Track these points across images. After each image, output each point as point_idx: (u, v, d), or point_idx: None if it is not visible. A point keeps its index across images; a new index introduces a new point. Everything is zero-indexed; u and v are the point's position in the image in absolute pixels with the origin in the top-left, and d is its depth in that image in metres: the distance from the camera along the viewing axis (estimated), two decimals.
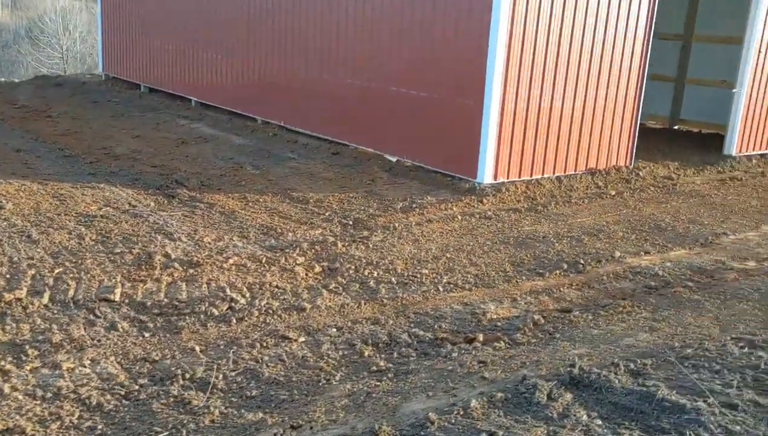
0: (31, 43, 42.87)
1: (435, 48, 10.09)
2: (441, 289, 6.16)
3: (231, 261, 6.35)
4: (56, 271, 5.78)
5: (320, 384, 4.31)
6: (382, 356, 4.76)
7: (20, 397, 3.95)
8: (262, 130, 12.82)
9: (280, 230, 7.49)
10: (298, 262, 6.53)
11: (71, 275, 5.73)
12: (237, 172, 10.00)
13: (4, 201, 7.53)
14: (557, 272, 6.86)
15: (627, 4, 10.31)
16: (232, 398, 4.09)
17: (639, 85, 10.86)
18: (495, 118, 9.43)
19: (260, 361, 4.55)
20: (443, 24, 9.94)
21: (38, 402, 3.91)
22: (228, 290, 5.67)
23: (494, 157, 9.60)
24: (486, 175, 9.60)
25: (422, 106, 10.33)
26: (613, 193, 10.07)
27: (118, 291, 5.49)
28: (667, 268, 7.05)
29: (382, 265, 6.65)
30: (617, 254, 7.46)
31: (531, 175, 10.04)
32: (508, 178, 9.81)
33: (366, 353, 4.76)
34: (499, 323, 5.47)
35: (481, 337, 5.01)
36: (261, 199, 8.67)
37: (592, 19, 9.98)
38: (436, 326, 5.35)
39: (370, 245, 7.24)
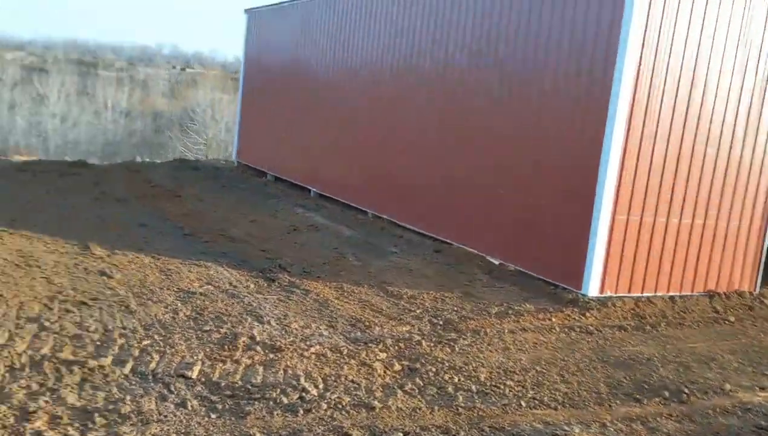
0: (181, 129, 46.63)
1: (542, 151, 9.98)
2: (524, 404, 5.79)
3: (312, 350, 6.32)
4: (144, 342, 5.98)
5: None
6: None
7: None
8: (371, 224, 13.03)
9: (368, 323, 7.43)
10: (378, 357, 6.40)
11: (157, 348, 5.90)
12: (339, 261, 10.14)
13: (114, 271, 7.99)
14: (657, 399, 6.30)
15: (757, 114, 9.82)
16: None
17: None
18: (605, 228, 9.06)
19: None
20: (551, 127, 9.84)
21: None
22: (302, 379, 5.61)
23: (602, 269, 9.17)
24: (592, 288, 9.16)
25: (527, 210, 10.14)
26: (732, 319, 9.28)
27: (196, 369, 5.57)
28: None
29: (465, 371, 6.38)
30: (728, 386, 6.77)
31: (642, 292, 9.48)
32: (615, 292, 9.30)
33: None
34: None
35: None
36: (356, 291, 8.69)
37: (716, 130, 9.55)
38: None
39: (457, 349, 6.99)
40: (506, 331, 7.78)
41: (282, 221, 12.82)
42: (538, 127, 10.06)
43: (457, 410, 5.48)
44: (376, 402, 5.37)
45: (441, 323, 7.84)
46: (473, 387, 6.01)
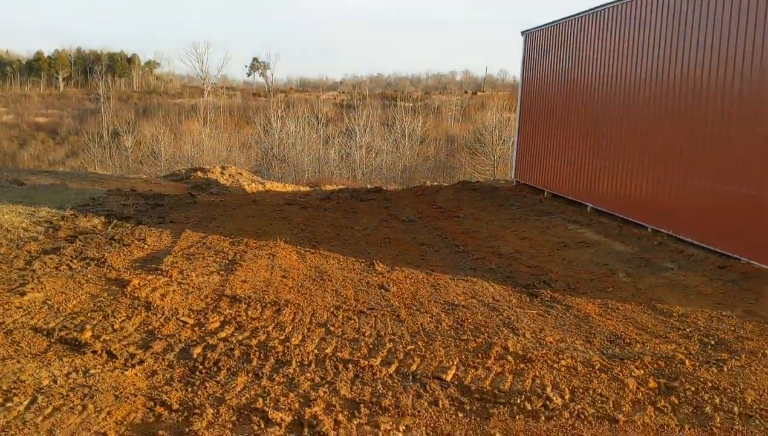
0: (470, 151, 48.60)
1: None
2: None
3: (563, 362, 6.48)
4: (408, 347, 6.69)
5: None
6: None
7: None
8: (648, 239, 12.55)
9: (628, 340, 7.32)
10: (633, 373, 6.32)
11: (419, 353, 6.57)
12: (607, 278, 10.01)
13: (391, 285, 8.94)
14: None
15: None
16: None
17: None
18: None
19: None
20: None
21: None
22: (549, 389, 5.83)
23: None
24: None
25: None
26: None
27: (451, 372, 6.11)
28: None
29: (730, 392, 6.01)
30: None
31: None
32: None
33: None
34: None
35: None
36: (621, 307, 8.56)
37: None
38: None
39: (725, 369, 6.58)
40: None
41: (552, 237, 12.96)
42: None
43: (712, 430, 5.25)
44: (621, 416, 5.39)
45: (712, 342, 7.40)
46: (735, 409, 5.66)
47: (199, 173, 27.07)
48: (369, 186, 25.77)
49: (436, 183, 26.40)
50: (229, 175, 27.88)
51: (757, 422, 5.45)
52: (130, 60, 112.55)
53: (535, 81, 19.48)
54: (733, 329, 7.83)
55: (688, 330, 7.76)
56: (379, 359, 6.40)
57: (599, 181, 15.25)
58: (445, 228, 13.86)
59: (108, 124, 67.58)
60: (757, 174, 10.38)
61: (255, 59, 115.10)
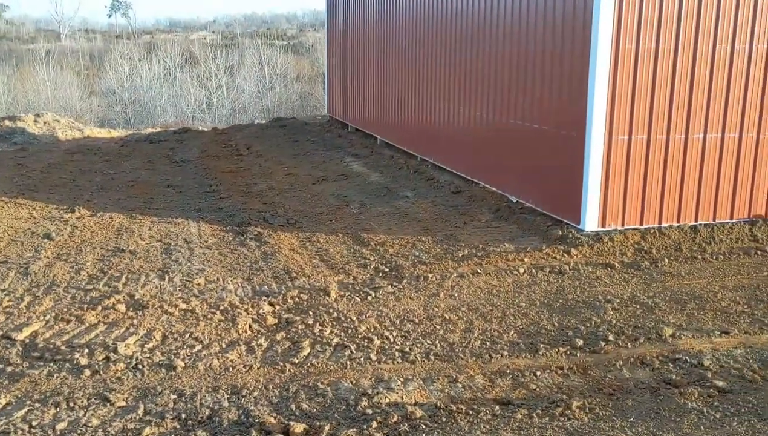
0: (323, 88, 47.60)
1: (536, 68, 8.79)
2: (374, 358, 5.16)
3: (183, 306, 6.02)
4: (5, 304, 6.09)
5: None
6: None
7: None
8: (411, 168, 12.41)
9: (296, 275, 7.06)
10: (261, 311, 6.03)
11: (12, 309, 5.95)
12: (337, 211, 9.76)
13: (65, 233, 8.29)
14: (563, 349, 5.35)
15: None
16: None
17: None
18: (599, 149, 7.83)
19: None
20: (542, 38, 8.63)
21: None
22: (131, 339, 5.43)
23: (600, 198, 7.96)
24: (589, 221, 8.00)
25: (533, 140, 9.03)
26: None
27: (28, 330, 5.41)
28: (720, 357, 5.08)
29: (348, 323, 5.82)
30: (669, 331, 5.58)
31: (658, 222, 8.11)
32: (622, 224, 8.05)
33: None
34: (386, 410, 4.37)
35: (298, 428, 4.01)
36: (323, 240, 8.31)
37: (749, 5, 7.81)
38: (297, 402, 4.48)
39: (369, 299, 6.43)
40: (455, 275, 7.03)
41: (320, 172, 12.61)
42: (536, 50, 8.87)
43: (284, 367, 5.00)
44: (179, 362, 4.96)
45: (387, 269, 7.27)
46: (337, 341, 5.47)
47: (7, 122, 25.04)
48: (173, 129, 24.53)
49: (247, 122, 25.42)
50: (44, 122, 25.88)
51: (348, 352, 5.26)
52: None
53: (338, 14, 18.87)
54: (419, 254, 7.73)
55: (373, 258, 7.60)
56: None
57: (386, 114, 14.98)
58: (214, 168, 13.25)
59: None
60: (472, 103, 10.30)
61: None
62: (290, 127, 19.05)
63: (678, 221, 8.14)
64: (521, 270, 7.17)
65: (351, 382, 4.76)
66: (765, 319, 5.91)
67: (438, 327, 5.78)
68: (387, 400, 4.48)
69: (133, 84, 50.50)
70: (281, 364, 5.02)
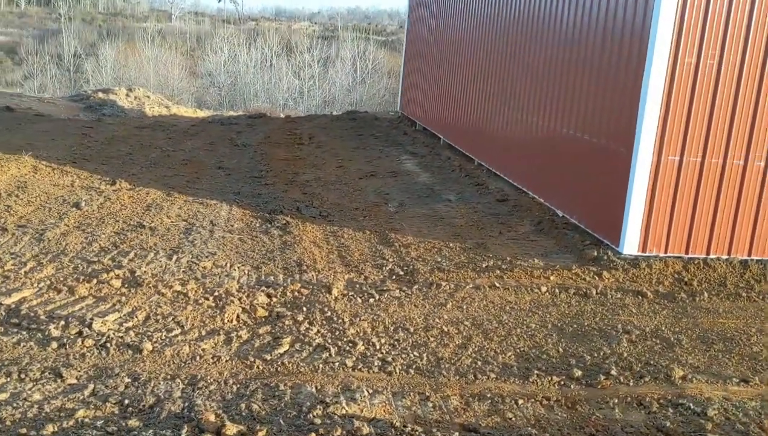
0: None
1: (592, 77, 8.27)
2: (351, 365, 4.91)
3: (176, 287, 5.96)
4: (7, 267, 6.15)
5: None
6: None
7: None
8: (463, 171, 12.02)
9: (306, 268, 6.88)
10: (256, 301, 5.86)
11: (13, 274, 6.05)
12: (374, 208, 9.53)
13: (112, 203, 8.43)
14: (557, 378, 4.93)
15: None
16: None
17: None
18: (644, 170, 7.28)
19: None
20: (601, 45, 8.11)
21: None
22: (110, 315, 5.36)
23: (642, 222, 7.40)
24: (628, 244, 7.44)
25: (583, 152, 8.51)
26: None
27: (18, 296, 5.50)
28: (730, 407, 4.54)
29: (338, 325, 5.59)
30: (679, 372, 5.05)
31: (707, 253, 7.46)
32: (665, 251, 7.46)
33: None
34: (335, 422, 4.12)
35: (231, 430, 3.80)
36: (348, 236, 8.11)
37: None
38: (250, 401, 4.28)
39: (372, 300, 6.17)
40: (470, 286, 6.68)
41: (370, 166, 12.42)
42: (593, 58, 8.35)
43: (253, 363, 4.81)
44: (148, 345, 4.84)
45: (402, 273, 6.99)
46: (319, 342, 5.25)
47: (101, 94, 26.18)
48: (283, 115, 24.88)
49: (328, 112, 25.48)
50: (135, 97, 26.95)
51: (323, 356, 5.02)
52: None
53: (417, 12, 18.66)
54: (441, 260, 7.41)
55: (390, 260, 7.34)
56: None
57: (448, 115, 14.63)
58: (271, 154, 13.28)
59: (69, 46, 65.50)
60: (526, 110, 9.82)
61: None
62: (360, 120, 18.93)
63: (728, 254, 7.46)
64: (543, 288, 6.74)
65: (316, 387, 4.53)
66: None
67: (432, 339, 5.47)
68: (343, 411, 4.22)
69: (230, 68, 51.89)
70: (252, 359, 4.84)
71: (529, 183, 10.16)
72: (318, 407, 4.22)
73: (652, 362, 5.28)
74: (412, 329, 5.62)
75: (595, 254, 7.52)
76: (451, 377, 4.86)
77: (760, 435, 4.26)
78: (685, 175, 7.29)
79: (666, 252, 7.44)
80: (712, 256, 7.42)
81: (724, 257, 7.43)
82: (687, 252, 7.45)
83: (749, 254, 7.49)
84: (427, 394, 4.58)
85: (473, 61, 12.84)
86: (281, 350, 5.03)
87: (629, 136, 7.38)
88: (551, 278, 7.06)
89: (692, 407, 4.59)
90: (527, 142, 10.25)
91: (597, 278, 7.07)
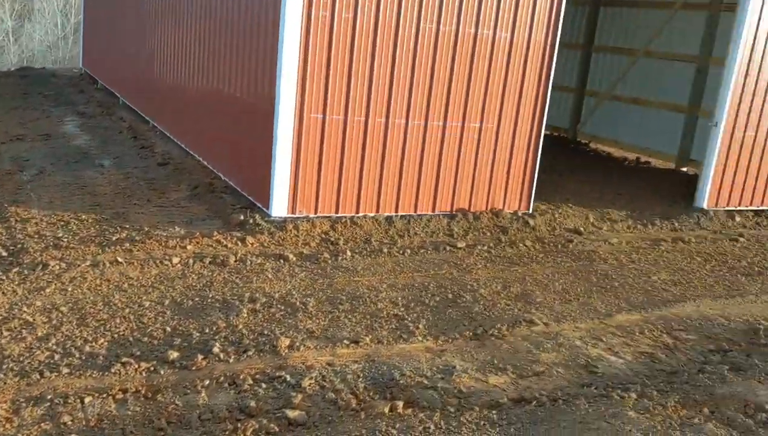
0: None
1: (237, 34, 7.77)
2: None
3: None
4: None
5: None
6: None
7: None
8: (131, 133, 10.93)
9: None
10: None
11: None
12: (4, 176, 8.13)
13: None
14: (146, 364, 4.31)
15: None
16: None
17: (539, 95, 7.88)
18: (288, 129, 6.92)
19: None
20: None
21: None
22: None
23: (290, 183, 7.07)
24: (276, 206, 7.08)
25: (237, 111, 7.98)
26: (462, 245, 7.19)
27: None
28: (329, 374, 4.33)
29: None
30: (286, 342, 4.75)
31: (357, 212, 7.38)
32: (315, 212, 7.22)
33: None
34: None
35: None
36: None
37: None
38: None
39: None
40: (87, 264, 5.79)
41: (22, 129, 10.76)
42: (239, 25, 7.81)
43: None
44: None
45: (5, 253, 5.87)
46: None
47: None
48: None
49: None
50: None
51: None
52: None
53: None
54: (63, 235, 6.39)
55: None
56: None
57: (124, 73, 13.27)
58: None
59: None
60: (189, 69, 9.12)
61: None
62: (33, 78, 16.69)
63: (377, 211, 7.47)
64: (175, 260, 6.08)
65: None
66: (412, 323, 5.28)
67: (6, 334, 4.53)
68: None
69: None
70: None
71: (195, 146, 9.45)
72: None
73: (266, 332, 4.91)
74: None
75: (241, 218, 7.05)
76: (9, 379, 4.00)
77: (349, 402, 4.05)
78: (329, 134, 7.08)
79: (316, 213, 7.23)
80: (361, 214, 7.38)
81: (371, 214, 7.42)
82: (337, 211, 7.32)
83: (396, 211, 7.57)
84: None
85: (141, 15, 11.68)
86: None
87: (272, 94, 6.98)
88: (188, 247, 6.44)
89: (288, 379, 4.27)
90: (193, 102, 9.48)
91: (240, 244, 6.60)
